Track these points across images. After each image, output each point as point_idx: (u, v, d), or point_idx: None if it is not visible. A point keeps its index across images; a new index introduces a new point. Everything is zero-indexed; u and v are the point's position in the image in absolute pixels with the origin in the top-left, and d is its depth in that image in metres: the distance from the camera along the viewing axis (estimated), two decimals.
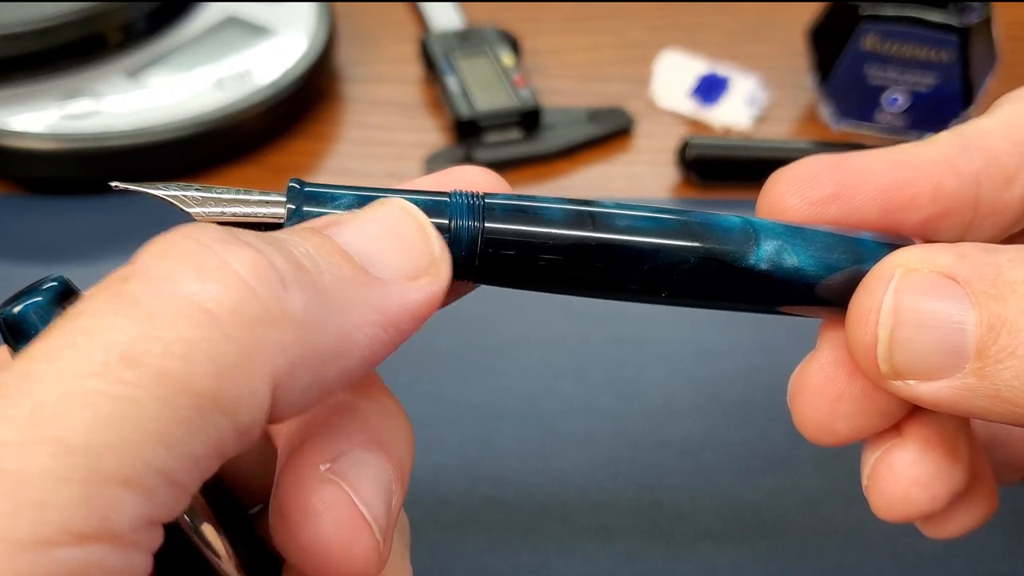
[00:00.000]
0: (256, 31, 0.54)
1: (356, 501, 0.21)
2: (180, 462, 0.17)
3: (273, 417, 0.19)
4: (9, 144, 0.48)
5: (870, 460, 0.26)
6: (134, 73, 0.51)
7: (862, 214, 0.25)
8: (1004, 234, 0.26)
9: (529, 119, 0.52)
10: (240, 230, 0.20)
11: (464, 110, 0.52)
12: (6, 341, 0.22)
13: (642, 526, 0.37)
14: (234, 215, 0.23)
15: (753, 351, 0.42)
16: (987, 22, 0.51)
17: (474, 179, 0.25)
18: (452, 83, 0.53)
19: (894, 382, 0.23)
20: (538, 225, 0.23)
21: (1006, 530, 0.37)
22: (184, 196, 0.23)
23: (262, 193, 0.23)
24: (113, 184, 0.23)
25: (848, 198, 0.25)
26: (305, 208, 0.23)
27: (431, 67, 0.55)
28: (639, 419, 0.40)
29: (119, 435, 0.17)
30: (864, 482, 0.27)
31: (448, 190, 0.23)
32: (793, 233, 0.24)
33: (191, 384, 0.17)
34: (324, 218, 0.22)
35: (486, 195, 0.23)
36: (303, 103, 0.54)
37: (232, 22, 0.55)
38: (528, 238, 0.23)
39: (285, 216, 0.23)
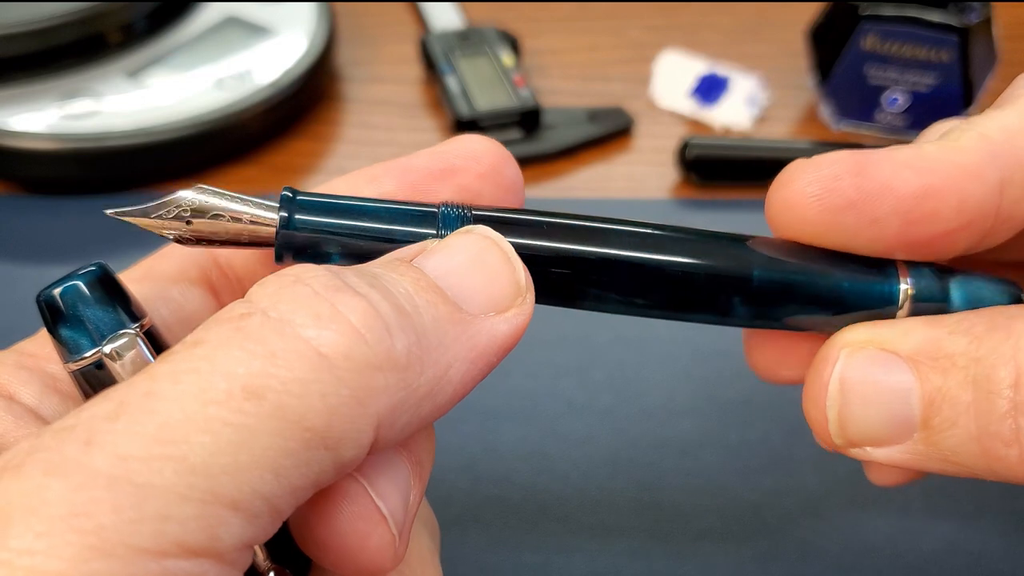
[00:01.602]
0: (256, 31, 0.54)
1: (372, 495, 0.21)
2: (284, 491, 0.19)
3: (370, 452, 0.20)
4: (9, 144, 0.48)
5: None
6: (134, 73, 0.51)
7: (881, 225, 0.24)
8: (1014, 234, 0.26)
9: (529, 119, 0.52)
10: (344, 271, 0.21)
11: (464, 110, 0.52)
12: (45, 322, 0.23)
13: (642, 525, 0.37)
14: (230, 239, 0.23)
15: None
16: (987, 22, 0.51)
17: (474, 148, 0.26)
18: (452, 83, 0.54)
19: (851, 449, 0.25)
20: (524, 238, 0.24)
21: (1006, 530, 0.37)
22: (179, 234, 0.23)
23: (253, 218, 0.23)
24: (107, 211, 0.24)
25: (869, 208, 0.24)
26: (297, 216, 0.23)
27: (431, 67, 0.55)
28: (639, 419, 0.40)
29: (235, 460, 0.18)
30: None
31: (436, 202, 0.24)
32: (786, 288, 0.25)
33: (304, 420, 0.19)
34: (412, 248, 0.23)
35: (474, 208, 0.24)
36: (303, 103, 0.54)
37: (232, 22, 0.55)
38: (516, 250, 0.23)
39: (277, 222, 0.23)
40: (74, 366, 0.23)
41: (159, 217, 0.23)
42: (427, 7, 0.60)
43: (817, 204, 0.24)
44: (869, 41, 0.50)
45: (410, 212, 0.24)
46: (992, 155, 0.24)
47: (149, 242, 0.28)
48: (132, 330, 0.23)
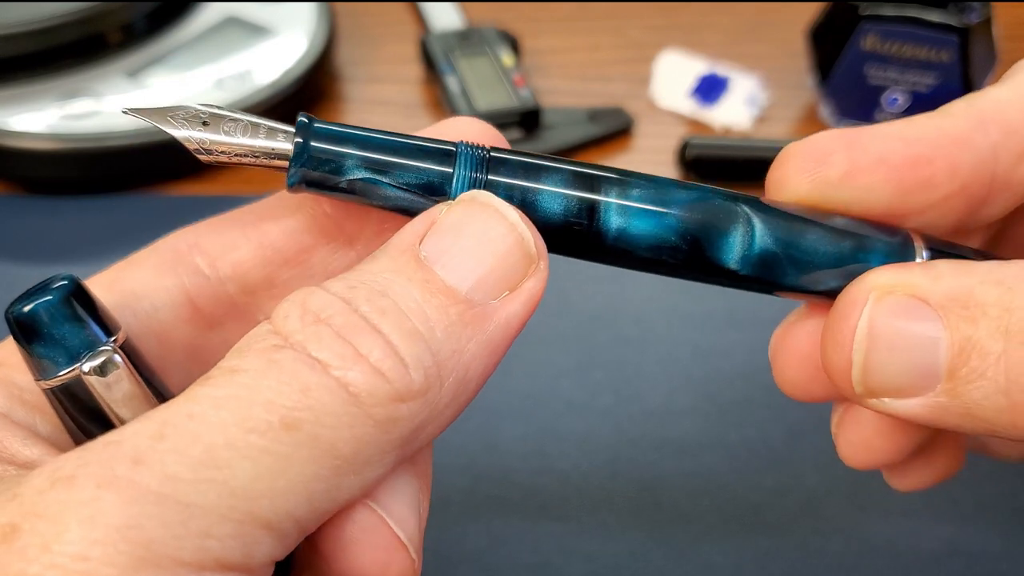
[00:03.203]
0: (256, 31, 0.54)
1: (391, 523, 0.22)
2: (313, 515, 0.20)
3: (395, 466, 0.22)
4: (9, 144, 0.48)
5: (839, 410, 0.28)
6: (134, 73, 0.51)
7: (875, 194, 0.24)
8: (1014, 206, 0.26)
9: (529, 119, 0.52)
10: (357, 293, 0.21)
11: (464, 110, 0.52)
12: (16, 339, 0.22)
13: (642, 526, 0.37)
14: (241, 160, 0.23)
15: (753, 350, 0.42)
16: (987, 22, 0.51)
17: (468, 129, 0.25)
18: (452, 83, 0.53)
19: (869, 399, 0.24)
20: (541, 182, 0.23)
21: (1006, 530, 0.37)
22: (195, 141, 0.23)
23: (268, 135, 0.23)
24: (124, 109, 0.23)
25: (861, 178, 0.24)
26: (312, 143, 0.23)
27: (431, 67, 0.55)
28: (639, 419, 0.40)
29: (272, 486, 0.19)
30: (833, 430, 0.28)
31: (455, 140, 0.24)
32: (789, 243, 0.24)
33: (335, 449, 0.20)
34: (420, 225, 0.23)
35: (492, 149, 0.24)
36: (303, 103, 0.53)
37: (232, 22, 0.55)
38: (528, 194, 0.23)
39: (292, 152, 0.23)
40: (48, 384, 0.22)
41: (174, 117, 0.23)
42: (427, 7, 0.60)
43: (810, 179, 0.24)
44: (869, 41, 0.50)
45: (428, 149, 0.23)
46: (981, 122, 0.25)
47: (148, 243, 0.28)
48: (109, 346, 0.22)
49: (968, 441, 0.30)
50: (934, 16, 0.49)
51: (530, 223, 0.23)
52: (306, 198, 0.26)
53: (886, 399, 0.23)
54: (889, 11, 0.50)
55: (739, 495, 0.38)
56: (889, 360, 0.23)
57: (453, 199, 0.23)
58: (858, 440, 0.27)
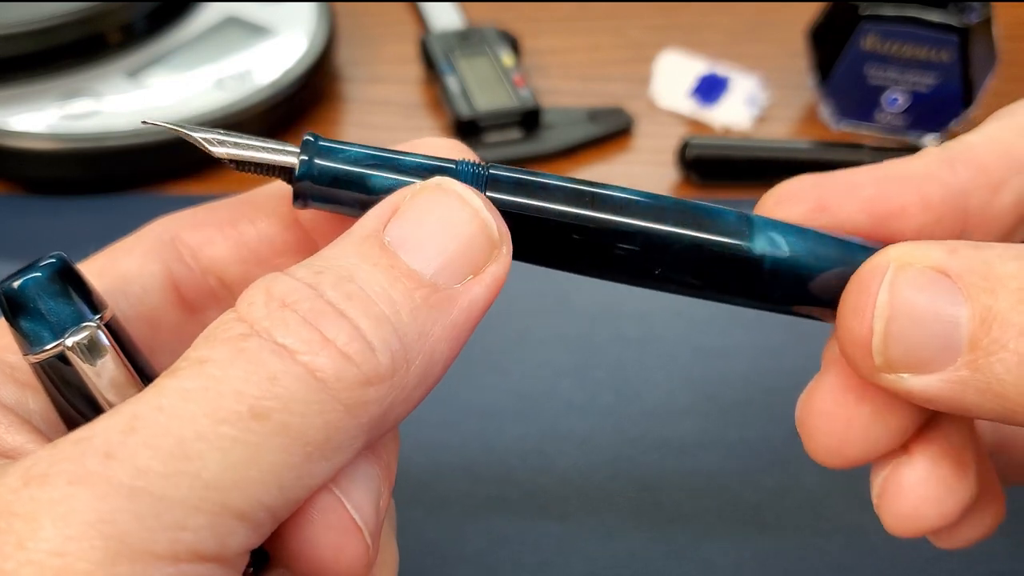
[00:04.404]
0: (256, 31, 0.54)
1: (347, 506, 0.22)
2: (285, 503, 0.20)
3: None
4: (9, 144, 0.48)
5: (879, 479, 0.26)
6: (134, 73, 0.51)
7: (852, 224, 0.25)
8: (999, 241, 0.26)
9: (529, 119, 0.52)
10: (323, 278, 0.21)
11: (464, 110, 0.52)
12: (4, 314, 0.23)
13: (642, 526, 0.37)
14: (251, 158, 0.24)
15: (753, 351, 0.42)
16: (987, 22, 0.51)
17: (440, 149, 0.26)
18: (452, 83, 0.54)
19: (887, 375, 0.23)
20: (538, 199, 0.24)
21: (1006, 530, 0.37)
22: (209, 138, 0.24)
23: (276, 152, 0.24)
24: (143, 121, 0.25)
25: (835, 210, 0.25)
26: (316, 161, 0.24)
27: (431, 67, 0.56)
28: (639, 419, 0.40)
29: (244, 476, 0.20)
30: (875, 500, 0.26)
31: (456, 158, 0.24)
32: (787, 227, 0.25)
33: (305, 436, 0.20)
34: (375, 215, 0.23)
35: (490, 165, 0.24)
36: (303, 103, 0.54)
37: (232, 22, 0.55)
38: (527, 211, 0.24)
39: (297, 165, 0.24)
40: (34, 358, 0.23)
41: (191, 129, 0.24)
42: (427, 7, 0.60)
43: (787, 215, 0.25)
44: (869, 41, 0.50)
45: (428, 166, 0.24)
46: (948, 161, 0.25)
47: None
48: (93, 322, 0.23)
49: (1002, 478, 0.29)
50: (934, 16, 0.49)
51: (493, 208, 0.23)
52: (282, 202, 0.27)
53: (905, 375, 0.23)
54: (889, 11, 0.50)
55: (739, 495, 0.38)
56: (910, 331, 0.23)
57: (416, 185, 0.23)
58: (905, 510, 0.26)
